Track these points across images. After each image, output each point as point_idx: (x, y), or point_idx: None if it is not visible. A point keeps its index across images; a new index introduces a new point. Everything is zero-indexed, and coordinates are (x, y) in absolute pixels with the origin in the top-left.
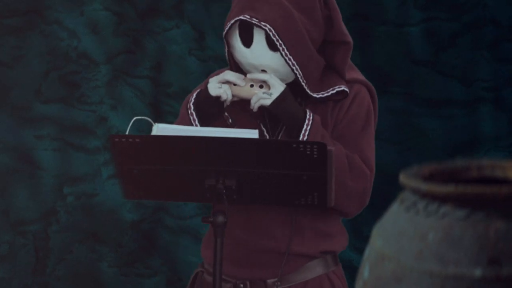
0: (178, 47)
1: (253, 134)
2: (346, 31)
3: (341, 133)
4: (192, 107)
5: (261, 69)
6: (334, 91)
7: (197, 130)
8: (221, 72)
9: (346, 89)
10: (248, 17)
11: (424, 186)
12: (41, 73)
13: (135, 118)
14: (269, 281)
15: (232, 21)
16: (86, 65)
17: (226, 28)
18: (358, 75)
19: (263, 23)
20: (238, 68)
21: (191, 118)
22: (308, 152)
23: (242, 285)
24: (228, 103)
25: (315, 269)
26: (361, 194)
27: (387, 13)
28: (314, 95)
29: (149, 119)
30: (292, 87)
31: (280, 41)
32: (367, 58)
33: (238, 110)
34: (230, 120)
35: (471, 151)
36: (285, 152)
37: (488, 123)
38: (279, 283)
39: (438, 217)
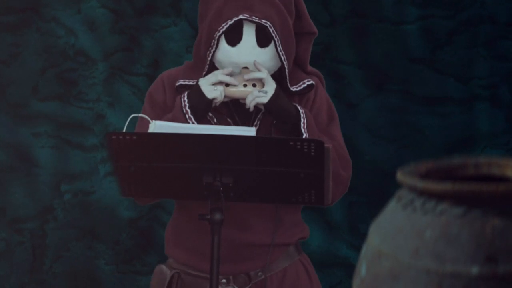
0: (175, 45)
1: (250, 131)
2: (311, 22)
3: None
4: (189, 111)
5: (243, 66)
6: (305, 85)
7: (194, 128)
8: (177, 71)
9: (314, 83)
10: (248, 16)
11: (421, 184)
12: (38, 70)
13: (132, 115)
14: (252, 272)
15: (231, 22)
16: (83, 63)
17: (222, 30)
18: (309, 66)
19: (263, 20)
20: (213, 67)
21: (190, 122)
22: (305, 150)
23: (224, 280)
24: (218, 103)
25: (291, 256)
26: (347, 181)
27: (384, 10)
28: (291, 88)
29: (147, 117)
30: None
31: (277, 37)
32: (364, 56)
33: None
34: (215, 120)
35: (468, 148)
36: (282, 150)
37: (485, 121)
38: (261, 273)
39: (435, 214)
